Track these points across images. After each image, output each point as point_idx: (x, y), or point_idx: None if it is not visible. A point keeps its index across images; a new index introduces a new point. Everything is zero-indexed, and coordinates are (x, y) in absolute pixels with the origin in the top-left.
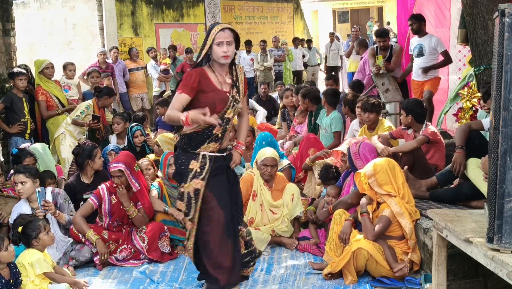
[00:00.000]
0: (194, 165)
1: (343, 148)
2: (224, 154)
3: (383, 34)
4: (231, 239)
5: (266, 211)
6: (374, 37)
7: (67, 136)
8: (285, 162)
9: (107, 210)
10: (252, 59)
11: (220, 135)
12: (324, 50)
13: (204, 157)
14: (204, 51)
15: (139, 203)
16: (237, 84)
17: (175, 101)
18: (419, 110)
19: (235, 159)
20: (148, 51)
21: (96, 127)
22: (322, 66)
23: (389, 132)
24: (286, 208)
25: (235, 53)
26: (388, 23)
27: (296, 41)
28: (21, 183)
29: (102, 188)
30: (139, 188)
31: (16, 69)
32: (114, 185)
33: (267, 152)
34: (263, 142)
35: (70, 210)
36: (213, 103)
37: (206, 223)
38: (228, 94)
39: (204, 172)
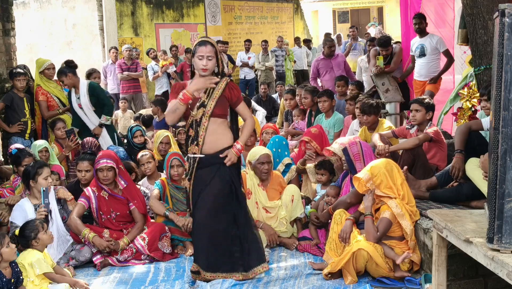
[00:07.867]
0: (187, 165)
1: (333, 146)
2: (208, 155)
3: (385, 44)
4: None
5: (260, 209)
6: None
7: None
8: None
9: (95, 207)
10: (249, 58)
11: (193, 136)
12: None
13: (189, 158)
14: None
15: (131, 204)
16: (211, 92)
17: (169, 106)
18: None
19: (229, 157)
20: (147, 53)
21: (76, 142)
22: None
23: (391, 130)
24: (285, 209)
25: (220, 66)
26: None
27: (298, 41)
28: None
29: (87, 188)
30: (125, 185)
31: (15, 70)
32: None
33: (259, 151)
34: (274, 149)
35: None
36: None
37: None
38: (199, 99)
39: (189, 172)
